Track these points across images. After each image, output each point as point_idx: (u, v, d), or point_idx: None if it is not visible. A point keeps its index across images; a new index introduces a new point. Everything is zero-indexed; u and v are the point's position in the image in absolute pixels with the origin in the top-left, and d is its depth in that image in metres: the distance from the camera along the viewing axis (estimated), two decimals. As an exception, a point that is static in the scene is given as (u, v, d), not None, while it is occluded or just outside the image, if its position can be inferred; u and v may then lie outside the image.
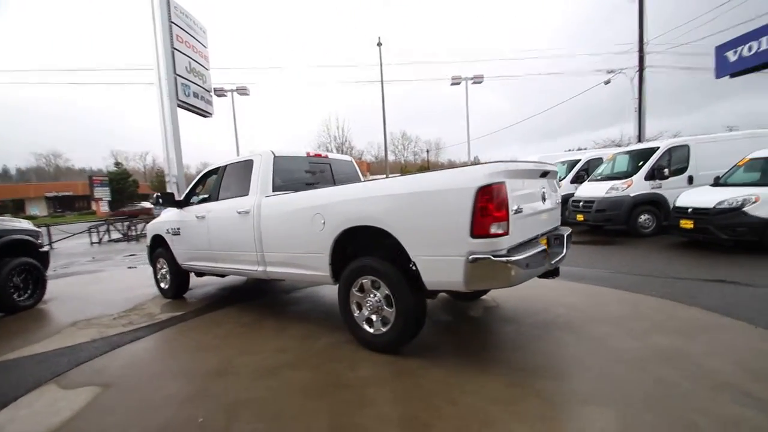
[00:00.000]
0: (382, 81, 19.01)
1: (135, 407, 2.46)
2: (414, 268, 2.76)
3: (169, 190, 13.34)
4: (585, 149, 22.28)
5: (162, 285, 5.60)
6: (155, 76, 13.99)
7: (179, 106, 14.57)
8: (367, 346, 3.11)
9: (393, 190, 2.82)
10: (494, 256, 2.39)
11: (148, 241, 5.81)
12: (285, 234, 3.66)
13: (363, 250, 3.23)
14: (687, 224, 6.41)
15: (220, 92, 17.99)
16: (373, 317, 3.06)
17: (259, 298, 5.21)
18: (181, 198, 5.11)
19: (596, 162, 11.13)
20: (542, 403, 2.22)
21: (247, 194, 4.13)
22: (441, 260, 2.60)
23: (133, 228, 15.40)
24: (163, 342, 3.72)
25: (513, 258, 2.39)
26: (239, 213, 4.08)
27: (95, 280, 7.30)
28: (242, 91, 18.79)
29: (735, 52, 16.94)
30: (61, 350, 3.64)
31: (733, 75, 17.69)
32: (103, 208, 34.41)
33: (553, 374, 2.56)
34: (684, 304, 3.80)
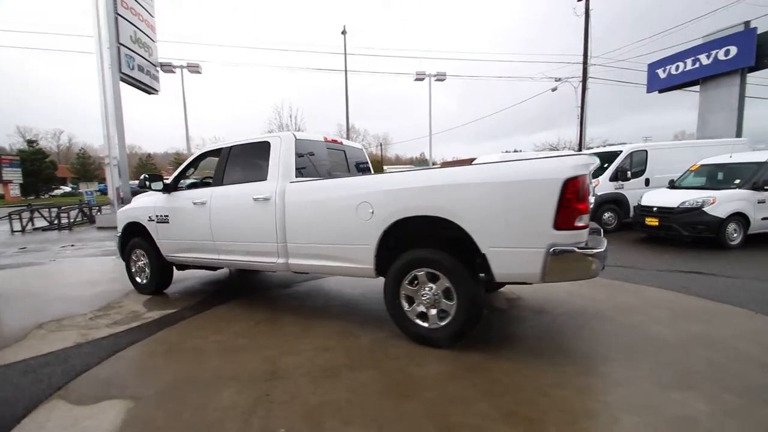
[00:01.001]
0: (345, 70, 18.57)
1: (193, 423, 2.10)
2: (478, 261, 2.69)
3: (108, 174, 11.96)
4: (521, 151, 23.61)
5: (138, 279, 4.94)
6: (95, 44, 12.29)
7: (122, 79, 12.96)
8: (421, 341, 2.98)
9: (463, 179, 2.71)
10: (579, 249, 2.40)
11: (119, 229, 5.08)
12: (318, 223, 3.38)
13: (409, 241, 3.09)
14: (652, 221, 7.08)
15: (167, 68, 16.30)
16: (429, 311, 2.94)
17: (254, 292, 4.80)
18: (169, 181, 4.51)
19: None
20: (631, 392, 2.27)
21: (264, 179, 3.75)
22: (517, 252, 2.56)
23: (64, 215, 13.49)
24: (172, 344, 3.26)
25: (596, 251, 2.42)
26: (255, 200, 3.69)
27: (41, 274, 6.26)
28: (194, 68, 17.17)
29: (664, 70, 19.14)
30: (42, 358, 3.04)
31: (661, 90, 20.02)
32: (14, 191, 29.75)
33: (619, 362, 2.64)
34: (682, 293, 4.17)
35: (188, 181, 4.85)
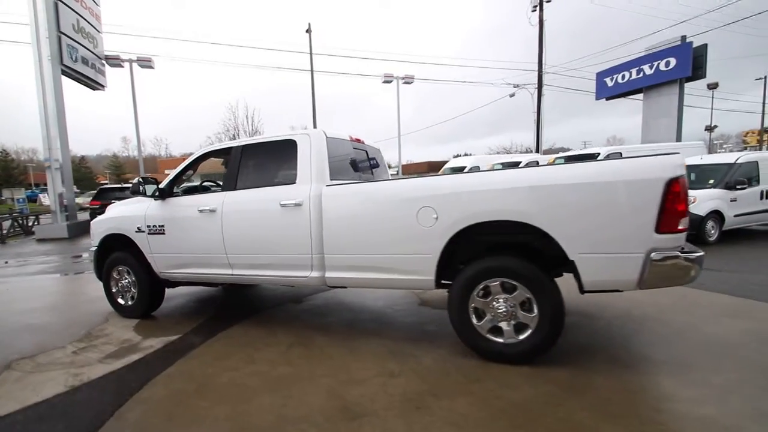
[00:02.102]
0: (312, 70, 17.95)
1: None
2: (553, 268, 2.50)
3: (49, 179, 10.67)
4: (471, 155, 24.32)
5: (121, 301, 4.21)
6: (31, 32, 10.72)
7: (64, 73, 11.46)
8: (493, 358, 2.72)
9: (547, 181, 2.49)
10: (682, 253, 2.27)
11: (94, 243, 4.32)
12: (365, 232, 3.01)
13: (474, 249, 2.83)
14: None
15: (115, 61, 14.68)
16: (504, 324, 2.69)
17: (262, 310, 4.28)
18: (163, 186, 3.88)
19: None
20: (744, 398, 2.17)
21: (293, 182, 3.31)
22: (612, 258, 2.39)
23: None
24: (200, 379, 2.71)
25: (697, 255, 2.30)
26: (284, 206, 3.24)
27: (-18, 300, 5.19)
28: (145, 62, 15.62)
29: (612, 78, 20.57)
30: (32, 410, 2.39)
31: (608, 98, 21.55)
32: None
33: (704, 367, 2.56)
34: (703, 290, 4.28)
35: (182, 186, 4.22)
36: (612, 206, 2.36)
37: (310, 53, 17.78)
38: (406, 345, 3.13)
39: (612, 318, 3.51)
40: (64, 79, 11.61)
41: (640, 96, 19.55)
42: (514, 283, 2.62)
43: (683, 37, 17.23)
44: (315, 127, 18.39)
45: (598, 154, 9.33)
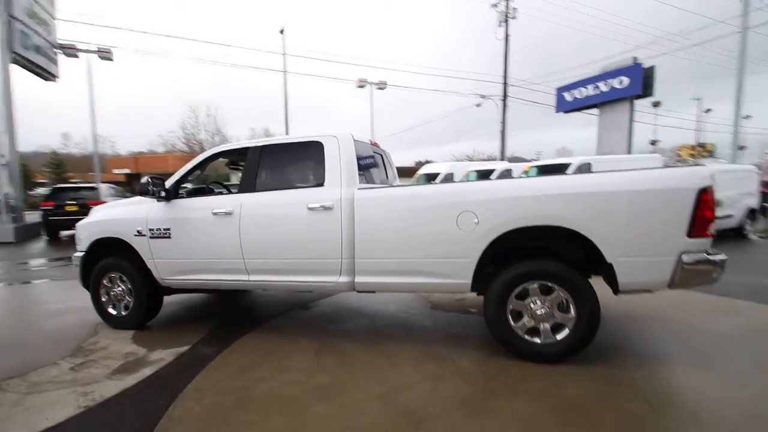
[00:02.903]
0: (285, 71, 17.59)
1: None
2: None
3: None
4: (433, 161, 24.95)
5: (112, 311, 3.87)
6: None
7: (14, 61, 10.38)
8: (531, 358, 2.79)
9: (587, 188, 2.62)
10: (710, 256, 2.47)
11: (81, 247, 3.94)
12: (401, 236, 2.99)
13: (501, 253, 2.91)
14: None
15: (70, 51, 13.48)
16: (541, 325, 2.77)
17: (270, 318, 4.09)
18: (169, 186, 3.62)
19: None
20: (764, 383, 2.39)
21: (320, 185, 3.23)
22: (646, 261, 2.55)
23: None
24: (234, 392, 2.54)
25: (721, 258, 2.51)
26: (312, 209, 3.15)
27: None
28: (104, 54, 14.46)
29: (570, 93, 21.94)
30: (51, 437, 2.13)
31: (567, 111, 22.95)
32: None
33: (716, 357, 2.79)
34: (690, 291, 4.65)
35: (187, 188, 3.97)
36: (648, 213, 2.52)
37: (284, 54, 17.43)
38: (439, 348, 3.14)
39: (618, 317, 3.73)
40: (14, 68, 10.52)
41: (594, 111, 21.04)
42: (551, 285, 2.72)
43: (634, 59, 18.76)
44: (287, 130, 18.01)
45: (570, 164, 9.90)
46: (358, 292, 3.29)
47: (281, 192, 3.36)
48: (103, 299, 3.89)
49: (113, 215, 3.85)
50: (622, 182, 2.58)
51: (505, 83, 24.35)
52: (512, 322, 2.82)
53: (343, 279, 3.17)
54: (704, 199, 2.44)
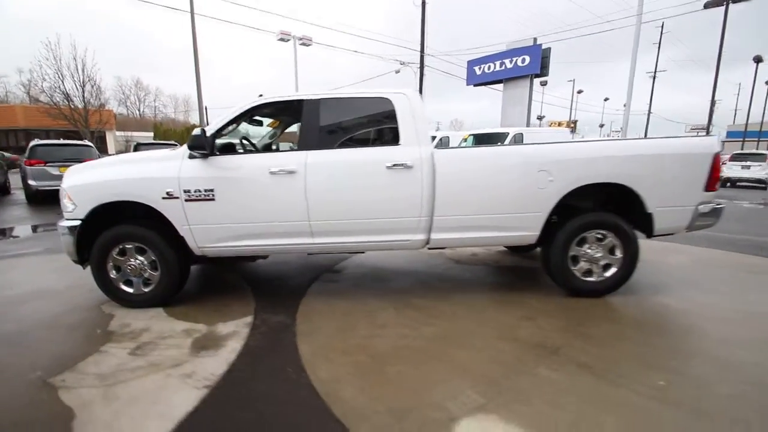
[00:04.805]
0: (192, 13, 15.07)
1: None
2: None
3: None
4: None
5: (127, 288, 3.29)
6: None
7: None
8: (585, 294, 3.36)
9: (639, 151, 3.18)
10: (716, 205, 3.28)
11: (77, 213, 3.18)
12: (480, 194, 3.20)
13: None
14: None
15: None
16: (594, 266, 3.34)
17: (307, 283, 3.96)
18: (208, 138, 3.12)
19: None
20: (725, 295, 3.36)
21: (395, 143, 3.20)
22: (675, 210, 3.26)
23: None
24: (361, 351, 2.53)
25: (721, 206, 3.35)
26: (390, 168, 3.13)
27: None
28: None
29: (480, 68, 23.69)
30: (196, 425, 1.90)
31: (476, 85, 24.80)
32: None
33: (692, 280, 3.76)
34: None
35: (222, 142, 3.46)
36: (680, 171, 3.20)
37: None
38: (503, 295, 3.52)
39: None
40: None
41: (499, 86, 23.23)
42: (605, 233, 3.28)
43: (534, 39, 21.03)
44: (197, 80, 15.81)
45: (507, 134, 11.04)
46: (429, 249, 3.43)
47: (354, 150, 3.22)
48: (113, 276, 3.26)
49: (127, 174, 3.17)
50: (666, 147, 3.20)
51: (422, 51, 24.96)
52: (571, 266, 3.33)
53: (419, 236, 3.27)
54: (716, 161, 3.20)
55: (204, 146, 2.98)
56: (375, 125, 3.34)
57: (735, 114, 46.62)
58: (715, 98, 23.33)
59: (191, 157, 3.15)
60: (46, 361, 2.45)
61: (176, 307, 3.33)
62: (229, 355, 2.53)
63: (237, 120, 3.31)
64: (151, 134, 34.93)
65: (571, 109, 36.39)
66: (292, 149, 3.36)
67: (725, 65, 21.95)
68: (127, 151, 12.32)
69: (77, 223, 3.17)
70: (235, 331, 2.86)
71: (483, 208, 3.23)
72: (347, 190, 3.17)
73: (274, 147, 4.46)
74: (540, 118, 34.83)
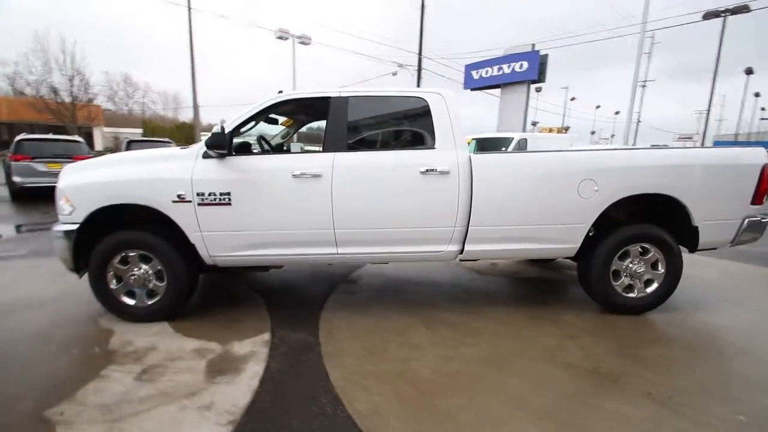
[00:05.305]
0: (189, 8, 14.66)
1: None
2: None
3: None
4: None
5: (128, 300, 2.97)
6: None
7: None
8: (624, 311, 3.16)
9: (688, 161, 2.99)
10: (763, 218, 3.12)
11: (75, 216, 2.86)
12: (519, 203, 2.97)
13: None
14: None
15: None
16: (636, 282, 3.14)
17: (324, 296, 3.69)
18: (226, 138, 2.82)
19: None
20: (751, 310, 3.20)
21: (430, 146, 2.96)
22: (721, 224, 3.08)
23: None
24: (401, 380, 2.27)
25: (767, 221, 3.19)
26: (425, 173, 2.88)
27: None
28: None
29: (477, 72, 23.68)
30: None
31: (473, 89, 24.78)
32: None
33: (720, 294, 3.60)
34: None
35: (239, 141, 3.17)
36: (727, 183, 3.02)
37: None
38: (535, 310, 3.29)
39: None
40: None
41: (495, 91, 23.22)
42: (648, 246, 3.09)
43: (533, 45, 21.07)
44: (193, 82, 15.36)
45: (512, 139, 10.89)
46: (461, 260, 3.19)
47: (385, 153, 2.97)
48: (113, 286, 2.94)
49: (132, 174, 2.86)
50: (715, 157, 3.02)
51: (420, 53, 24.85)
52: (612, 281, 3.13)
53: (452, 247, 3.03)
54: (764, 174, 3.04)
55: (223, 145, 2.68)
56: (408, 126, 3.11)
57: (719, 123, 47.98)
58: (704, 109, 23.79)
59: (206, 156, 2.86)
60: (39, 389, 2.14)
61: (183, 321, 3.02)
62: (250, 381, 2.24)
63: (256, 117, 3.03)
64: (140, 131, 34.06)
65: (564, 115, 36.77)
66: (303, 150, 3.10)
67: (710, 76, 22.40)
68: (117, 148, 11.84)
69: (74, 227, 2.84)
70: (253, 352, 2.57)
71: (522, 219, 3.00)
72: (377, 196, 2.91)
73: (285, 147, 4.20)
74: (534, 124, 35.07)
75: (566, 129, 39.53)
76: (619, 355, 2.54)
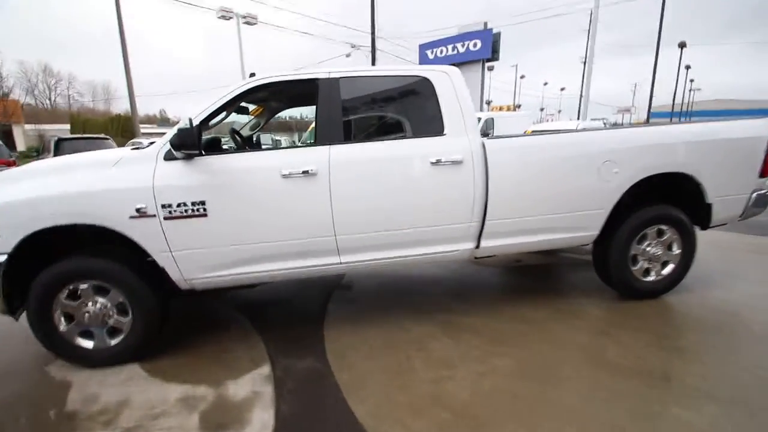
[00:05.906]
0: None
1: None
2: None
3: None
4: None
5: (84, 342, 2.40)
6: None
7: None
8: (643, 296, 3.04)
9: (702, 137, 2.85)
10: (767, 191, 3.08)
11: (5, 246, 2.20)
12: (538, 191, 2.71)
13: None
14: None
15: None
16: (653, 265, 3.01)
17: (320, 310, 3.28)
18: (195, 134, 2.27)
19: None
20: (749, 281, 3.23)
21: (439, 133, 2.59)
22: (731, 198, 3.00)
23: None
24: (436, 408, 1.93)
25: (772, 192, 3.16)
26: (436, 163, 2.52)
27: None
28: None
29: (432, 52, 23.41)
30: None
31: (429, 69, 24.48)
32: None
33: (718, 269, 3.62)
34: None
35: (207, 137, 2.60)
36: (737, 158, 2.93)
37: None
38: (559, 303, 3.08)
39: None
40: None
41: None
42: (665, 227, 2.95)
43: (485, 24, 21.05)
44: (126, 69, 13.75)
45: (479, 119, 10.75)
46: (476, 258, 2.89)
47: (389, 143, 2.55)
48: (62, 328, 2.34)
49: (71, 185, 2.23)
50: (727, 131, 2.90)
51: (373, 34, 24.10)
52: (631, 266, 2.98)
53: (468, 245, 2.72)
54: (771, 145, 2.98)
55: (193, 144, 2.14)
56: (411, 111, 2.70)
57: (651, 97, 51.68)
58: (635, 82, 25.28)
59: (169, 158, 2.30)
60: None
61: (158, 360, 2.50)
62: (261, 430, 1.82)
63: (228, 106, 2.49)
64: (68, 127, 30.60)
65: (515, 93, 37.66)
66: (275, 142, 2.62)
67: (644, 50, 23.77)
68: (44, 148, 10.37)
69: (2, 259, 2.19)
70: (254, 392, 2.13)
71: (541, 208, 2.74)
72: (382, 193, 2.51)
73: (255, 141, 3.65)
74: (488, 102, 35.63)
75: (518, 107, 40.72)
76: (657, 348, 2.38)
